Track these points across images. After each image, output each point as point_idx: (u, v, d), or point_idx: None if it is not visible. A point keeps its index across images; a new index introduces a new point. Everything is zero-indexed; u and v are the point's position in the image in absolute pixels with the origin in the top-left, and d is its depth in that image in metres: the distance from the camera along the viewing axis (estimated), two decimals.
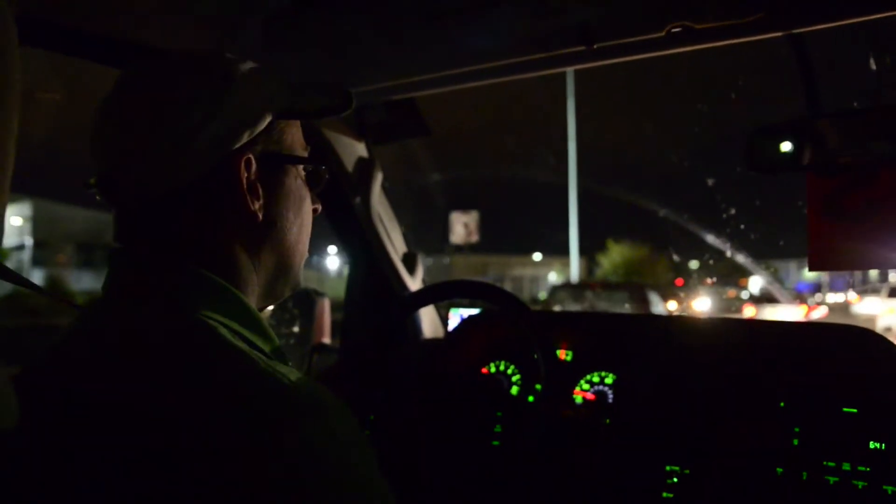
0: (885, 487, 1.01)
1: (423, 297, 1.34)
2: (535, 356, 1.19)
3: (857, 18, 1.00)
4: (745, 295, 20.12)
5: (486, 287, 1.27)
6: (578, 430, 1.22)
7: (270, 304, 0.76)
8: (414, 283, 1.76)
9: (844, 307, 18.15)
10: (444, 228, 20.97)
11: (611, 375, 1.32)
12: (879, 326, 11.88)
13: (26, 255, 21.27)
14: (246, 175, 0.66)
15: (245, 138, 0.66)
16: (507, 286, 1.30)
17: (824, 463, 1.06)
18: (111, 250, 0.67)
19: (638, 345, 1.36)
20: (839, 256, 1.09)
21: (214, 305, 0.63)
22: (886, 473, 1.02)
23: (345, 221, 1.66)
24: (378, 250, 1.68)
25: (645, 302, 11.13)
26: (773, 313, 13.43)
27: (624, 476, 1.17)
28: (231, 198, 0.66)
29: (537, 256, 34.81)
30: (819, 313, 14.68)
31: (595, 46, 1.13)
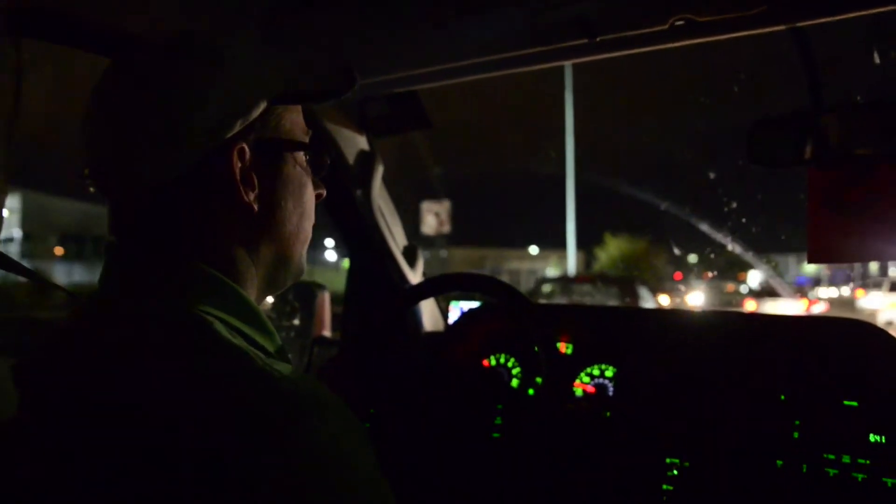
0: (884, 480, 1.02)
1: (423, 290, 1.35)
2: (536, 349, 1.19)
3: (860, 12, 1.00)
4: (743, 289, 20.09)
5: (487, 280, 1.27)
6: (579, 422, 1.22)
7: (273, 294, 0.74)
8: (414, 277, 1.77)
9: (849, 302, 18.05)
10: (415, 218, 19.80)
11: (611, 368, 1.32)
12: (881, 320, 11.89)
13: (14, 248, 21.21)
14: (240, 165, 0.64)
15: (238, 127, 0.63)
16: (504, 280, 1.30)
17: (824, 456, 1.06)
18: (106, 243, 0.66)
19: (638, 338, 1.36)
20: (839, 249, 1.09)
21: (212, 300, 0.62)
22: (886, 466, 1.02)
23: (346, 214, 1.66)
24: (379, 243, 1.68)
25: (634, 297, 10.85)
26: (773, 308, 13.42)
27: (624, 469, 1.18)
28: (225, 189, 0.64)
29: (534, 250, 34.78)
30: (819, 308, 14.65)
31: (598, 39, 1.13)
